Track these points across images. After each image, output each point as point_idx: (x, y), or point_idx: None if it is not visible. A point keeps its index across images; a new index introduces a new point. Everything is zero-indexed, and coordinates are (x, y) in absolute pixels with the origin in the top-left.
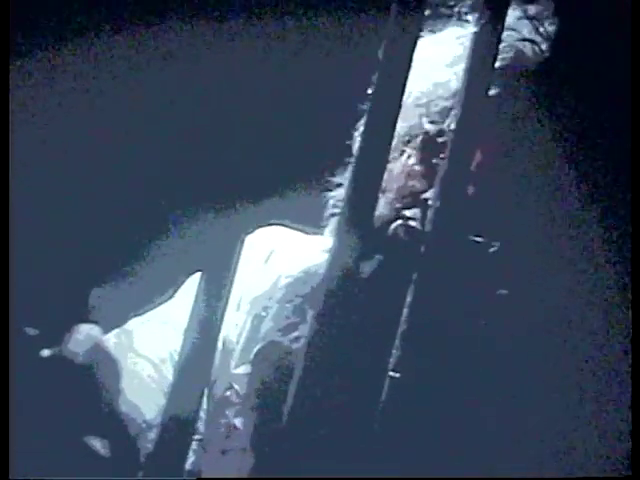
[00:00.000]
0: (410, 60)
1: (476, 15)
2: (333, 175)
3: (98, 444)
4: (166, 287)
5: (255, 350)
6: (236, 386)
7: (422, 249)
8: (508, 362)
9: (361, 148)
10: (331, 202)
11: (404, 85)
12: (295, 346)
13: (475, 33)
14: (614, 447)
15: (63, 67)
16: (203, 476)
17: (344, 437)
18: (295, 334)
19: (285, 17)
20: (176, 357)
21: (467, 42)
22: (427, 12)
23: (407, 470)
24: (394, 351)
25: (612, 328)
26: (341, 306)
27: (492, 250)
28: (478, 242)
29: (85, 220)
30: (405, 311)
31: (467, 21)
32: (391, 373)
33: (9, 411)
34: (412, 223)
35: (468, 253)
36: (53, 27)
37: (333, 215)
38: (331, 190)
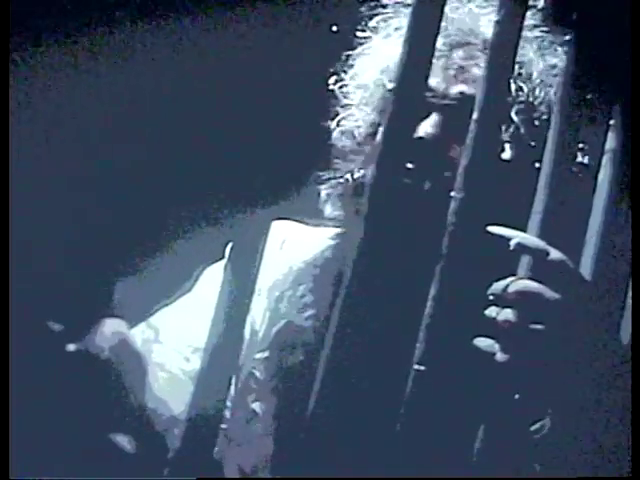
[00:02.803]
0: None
1: None
2: (321, 171)
3: (124, 441)
4: (189, 279)
5: (274, 331)
6: (256, 372)
7: (445, 242)
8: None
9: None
10: (323, 195)
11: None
12: (309, 324)
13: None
14: (614, 447)
15: (63, 67)
16: (225, 463)
17: (367, 431)
18: (309, 313)
19: (285, 16)
20: (204, 347)
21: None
22: None
23: (430, 464)
24: (419, 344)
25: (613, 326)
26: (365, 300)
27: (514, 243)
28: (499, 236)
29: (108, 214)
30: (429, 304)
31: None
32: (416, 366)
33: (9, 410)
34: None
35: (492, 246)
36: (53, 27)
37: (324, 208)
38: (321, 185)
